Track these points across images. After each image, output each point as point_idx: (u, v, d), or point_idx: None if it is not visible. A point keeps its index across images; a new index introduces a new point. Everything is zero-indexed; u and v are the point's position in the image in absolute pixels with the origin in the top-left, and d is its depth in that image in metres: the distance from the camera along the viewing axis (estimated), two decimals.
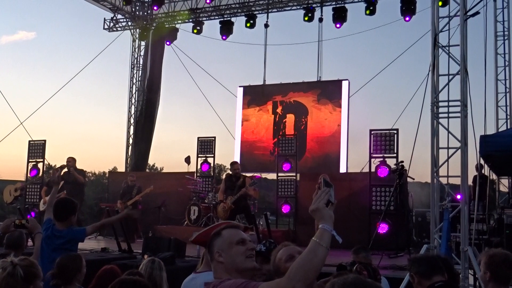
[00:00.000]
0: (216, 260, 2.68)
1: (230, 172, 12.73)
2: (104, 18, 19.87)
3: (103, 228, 5.75)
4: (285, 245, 3.32)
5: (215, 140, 15.83)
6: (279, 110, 18.26)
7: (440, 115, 8.95)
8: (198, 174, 15.73)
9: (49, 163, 17.66)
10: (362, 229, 12.11)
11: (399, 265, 9.00)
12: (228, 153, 21.72)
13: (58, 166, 14.57)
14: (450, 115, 8.89)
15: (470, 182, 11.54)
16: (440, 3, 10.02)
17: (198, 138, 15.90)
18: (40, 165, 15.51)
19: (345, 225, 12.60)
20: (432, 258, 4.09)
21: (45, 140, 15.79)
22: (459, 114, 8.73)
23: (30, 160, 15.58)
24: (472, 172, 11.13)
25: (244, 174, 13.47)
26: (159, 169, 44.36)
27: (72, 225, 5.42)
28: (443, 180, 9.04)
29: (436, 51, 8.98)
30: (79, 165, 13.67)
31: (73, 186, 13.02)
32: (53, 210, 5.41)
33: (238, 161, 17.85)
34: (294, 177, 14.65)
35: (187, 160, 15.79)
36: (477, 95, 10.32)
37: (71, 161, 13.40)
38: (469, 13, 8.99)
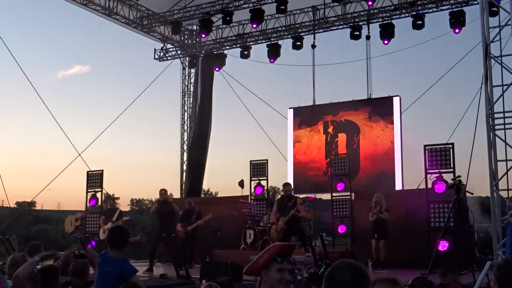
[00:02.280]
0: (263, 278, 3.19)
1: (282, 193, 12.69)
2: (155, 49, 20.39)
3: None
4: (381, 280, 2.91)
5: (267, 162, 15.87)
6: (330, 129, 18.16)
7: (496, 127, 8.74)
8: (252, 198, 15.76)
9: (107, 192, 18.10)
10: (422, 247, 11.82)
11: (462, 283, 8.72)
12: (281, 175, 21.69)
13: (113, 196, 15.04)
14: (507, 126, 8.68)
15: None
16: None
17: (251, 161, 15.97)
18: (98, 195, 15.85)
19: (404, 243, 12.38)
20: None
21: (102, 170, 16.19)
22: None
23: (89, 190, 15.96)
24: None
25: (297, 195, 13.42)
26: (213, 194, 44.65)
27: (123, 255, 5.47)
28: (504, 194, 8.79)
29: (488, 62, 8.81)
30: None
31: (168, 216, 13.27)
32: (108, 236, 5.49)
33: (292, 183, 17.81)
34: (349, 197, 14.50)
35: (241, 184, 15.86)
36: None
37: (165, 192, 13.69)
38: None
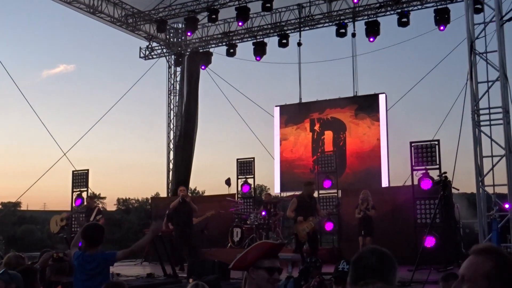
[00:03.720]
0: (251, 275, 3.14)
1: (304, 192, 12.03)
2: (140, 47, 20.27)
3: (134, 253, 5.62)
4: None
5: (254, 161, 15.86)
6: (316, 127, 18.19)
7: (482, 123, 8.78)
8: (239, 196, 15.75)
9: (93, 192, 17.96)
10: (408, 244, 11.87)
11: None
12: (268, 173, 21.70)
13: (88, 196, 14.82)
14: (492, 122, 8.73)
15: None
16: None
17: (238, 159, 15.95)
18: (84, 194, 15.76)
19: (390, 240, 12.37)
20: None
21: (88, 170, 16.09)
22: (501, 121, 8.55)
23: (74, 190, 15.87)
24: None
25: (285, 193, 13.37)
26: (200, 193, 44.59)
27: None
28: (489, 190, 8.83)
29: (473, 58, 8.84)
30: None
31: (187, 215, 12.75)
32: (84, 235, 5.41)
33: (278, 181, 17.82)
34: (336, 194, 14.52)
35: (228, 182, 15.83)
36: None
37: (184, 190, 13.27)
38: (505, 18, 8.84)
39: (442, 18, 15.79)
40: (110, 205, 52.52)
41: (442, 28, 15.90)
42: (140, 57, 20.29)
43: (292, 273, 7.64)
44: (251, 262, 3.14)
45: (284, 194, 17.17)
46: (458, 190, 12.02)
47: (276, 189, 18.46)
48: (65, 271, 5.71)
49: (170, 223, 13.37)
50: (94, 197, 14.79)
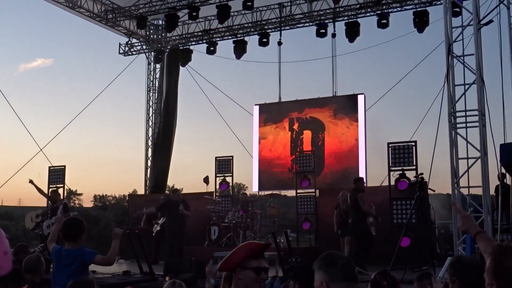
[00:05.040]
0: (238, 276, 3.15)
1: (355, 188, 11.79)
2: (119, 43, 20.10)
3: (111, 263, 5.53)
4: None
5: (232, 159, 15.86)
6: (295, 126, 18.24)
7: (458, 125, 8.89)
8: (217, 194, 15.73)
9: (69, 188, 17.78)
10: (385, 243, 11.96)
11: None
12: (246, 171, 21.71)
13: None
14: (468, 124, 8.84)
15: (492, 192, 11.39)
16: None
17: (216, 157, 15.93)
18: (60, 191, 15.55)
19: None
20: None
21: (64, 166, 15.94)
22: (477, 124, 8.67)
23: (50, 186, 15.68)
24: (493, 182, 10.98)
25: (263, 192, 13.38)
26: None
27: (80, 246, 5.34)
28: (464, 191, 8.95)
29: (450, 61, 8.94)
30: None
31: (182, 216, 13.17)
32: (63, 230, 5.37)
33: (257, 180, 17.82)
34: (313, 194, 14.58)
35: (206, 180, 15.79)
36: (495, 104, 10.21)
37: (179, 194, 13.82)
38: (482, 22, 8.96)
39: (421, 20, 15.95)
40: (87, 202, 52.02)
41: (421, 30, 16.06)
42: (119, 53, 20.13)
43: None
44: (237, 262, 3.16)
45: (262, 193, 17.18)
46: (434, 191, 12.15)
47: (254, 188, 18.48)
48: (39, 268, 5.57)
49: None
50: (55, 191, 14.41)
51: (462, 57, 9.11)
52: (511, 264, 2.30)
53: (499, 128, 10.31)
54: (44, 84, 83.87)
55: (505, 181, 12.03)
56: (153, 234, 13.72)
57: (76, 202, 47.72)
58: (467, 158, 8.90)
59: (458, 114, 8.94)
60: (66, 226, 5.37)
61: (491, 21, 9.31)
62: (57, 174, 15.81)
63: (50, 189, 15.19)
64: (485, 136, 8.71)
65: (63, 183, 15.74)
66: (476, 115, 8.73)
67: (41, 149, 18.29)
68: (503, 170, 10.42)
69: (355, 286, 2.71)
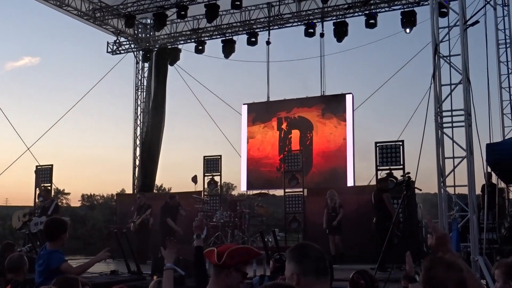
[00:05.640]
0: (226, 274, 3.28)
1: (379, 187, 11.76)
2: (108, 42, 20.04)
3: (81, 274, 5.37)
4: None
5: (221, 158, 15.84)
6: (284, 126, 18.27)
7: (444, 125, 8.95)
8: (205, 193, 15.71)
9: (57, 188, 17.72)
10: (372, 242, 12.03)
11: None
12: (234, 171, 21.75)
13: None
14: (454, 124, 8.90)
15: (478, 191, 11.49)
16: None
17: (204, 157, 15.90)
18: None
19: (355, 239, 12.58)
20: None
21: (52, 165, 15.86)
22: (463, 123, 8.73)
23: (38, 185, 15.60)
24: (479, 181, 11.07)
25: (251, 191, 13.41)
26: (167, 190, 44.32)
27: (63, 246, 5.29)
28: (450, 190, 9.02)
29: (437, 61, 9.01)
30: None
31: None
32: (44, 230, 5.36)
33: (245, 179, 17.81)
34: (302, 193, 14.62)
35: (194, 179, 15.76)
36: (481, 104, 10.31)
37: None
38: (468, 22, 9.03)
39: (408, 20, 16.04)
40: (75, 201, 51.82)
41: (408, 30, 16.17)
42: (107, 52, 20.07)
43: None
44: (232, 264, 3.27)
45: (251, 192, 17.19)
46: (420, 190, 12.22)
47: (242, 187, 18.50)
48: (21, 267, 5.49)
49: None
50: (46, 190, 14.37)
51: (448, 57, 9.17)
52: (438, 273, 2.64)
53: (485, 127, 10.42)
54: (31, 83, 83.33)
55: (491, 180, 12.16)
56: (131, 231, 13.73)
57: (64, 201, 47.51)
58: (453, 157, 8.97)
59: (444, 113, 9.00)
60: (46, 226, 5.38)
61: (477, 21, 9.39)
62: (44, 174, 15.73)
63: (43, 186, 15.14)
64: (471, 136, 8.78)
65: (51, 182, 15.67)
66: (462, 115, 8.79)
67: (28, 148, 18.21)
68: (489, 170, 10.53)
69: (326, 279, 2.71)
